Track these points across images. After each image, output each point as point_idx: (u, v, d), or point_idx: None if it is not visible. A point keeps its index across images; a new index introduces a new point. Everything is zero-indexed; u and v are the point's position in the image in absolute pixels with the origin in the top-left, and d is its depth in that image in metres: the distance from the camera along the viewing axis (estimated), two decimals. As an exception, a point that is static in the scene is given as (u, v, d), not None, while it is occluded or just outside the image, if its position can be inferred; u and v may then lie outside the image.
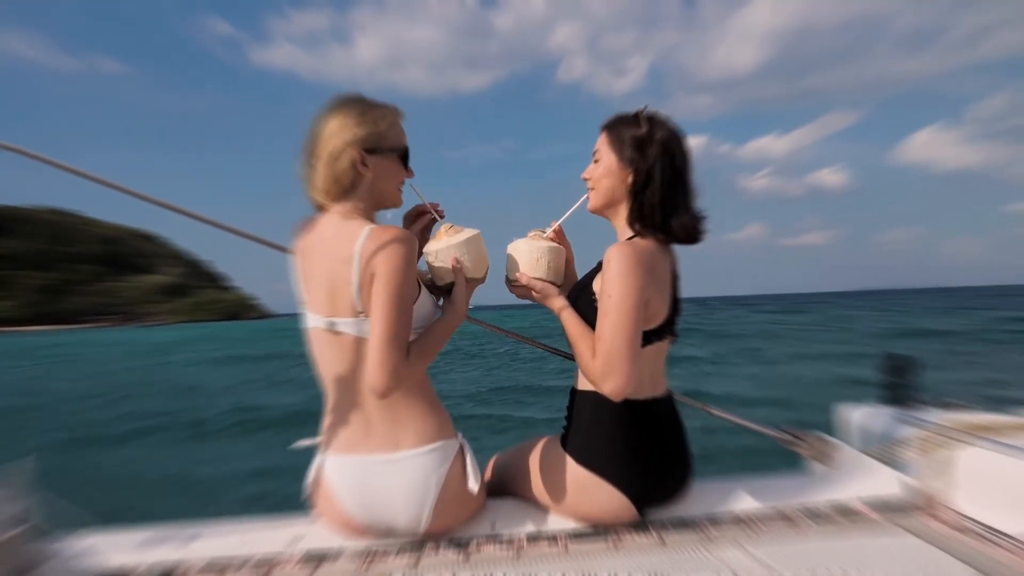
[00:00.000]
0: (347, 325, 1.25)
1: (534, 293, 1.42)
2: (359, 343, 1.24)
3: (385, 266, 1.18)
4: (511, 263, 1.46)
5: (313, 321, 1.30)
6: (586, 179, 1.46)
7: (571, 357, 1.46)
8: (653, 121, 1.37)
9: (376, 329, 1.18)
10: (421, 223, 1.49)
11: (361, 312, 1.23)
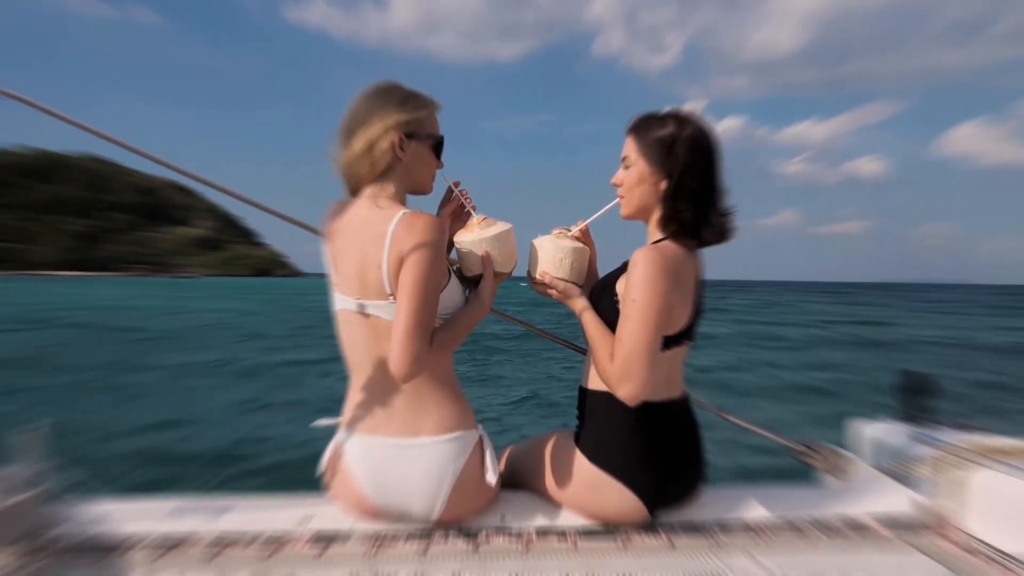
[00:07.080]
0: (377, 308, 1.27)
1: (555, 292, 1.42)
2: (388, 326, 1.25)
3: (415, 251, 1.20)
4: (533, 259, 1.45)
5: (343, 303, 1.32)
6: (616, 185, 1.43)
7: (584, 352, 1.47)
8: (680, 119, 1.33)
9: (402, 314, 1.19)
10: (450, 208, 1.51)
11: (391, 295, 1.24)
